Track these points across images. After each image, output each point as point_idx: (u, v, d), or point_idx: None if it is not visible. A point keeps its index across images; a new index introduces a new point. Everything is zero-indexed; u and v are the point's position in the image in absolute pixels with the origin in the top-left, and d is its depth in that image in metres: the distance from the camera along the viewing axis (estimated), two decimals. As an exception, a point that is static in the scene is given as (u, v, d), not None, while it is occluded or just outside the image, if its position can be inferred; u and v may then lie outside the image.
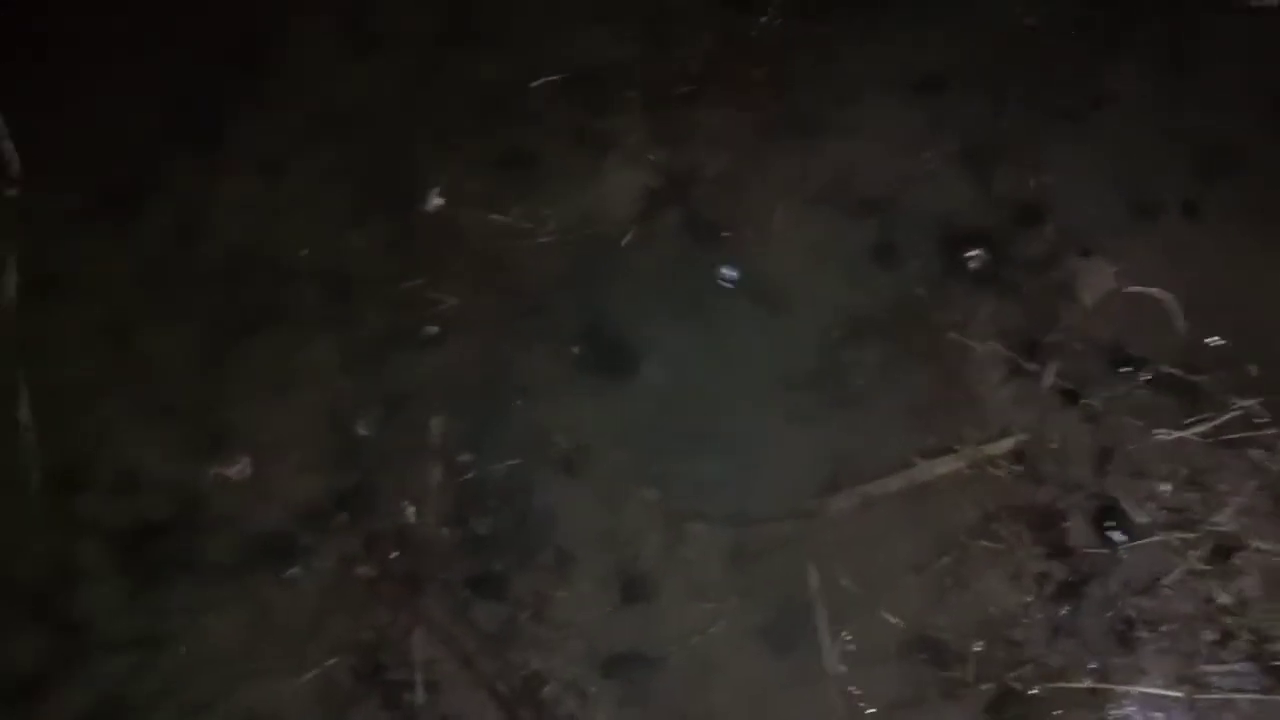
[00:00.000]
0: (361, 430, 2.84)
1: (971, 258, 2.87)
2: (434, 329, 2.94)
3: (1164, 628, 2.45)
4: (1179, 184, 2.94)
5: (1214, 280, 2.79)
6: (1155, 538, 2.52)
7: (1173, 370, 2.68)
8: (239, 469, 2.81)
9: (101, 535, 2.73)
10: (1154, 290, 2.75)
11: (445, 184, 3.12)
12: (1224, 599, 2.44)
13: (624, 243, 3.03)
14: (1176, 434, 2.61)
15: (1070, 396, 2.69)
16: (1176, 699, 2.38)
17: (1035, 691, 2.41)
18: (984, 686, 2.43)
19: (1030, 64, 3.18)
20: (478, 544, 2.70)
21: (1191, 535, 2.51)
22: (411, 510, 2.74)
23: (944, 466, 2.66)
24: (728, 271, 2.98)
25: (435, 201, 3.12)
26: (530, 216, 3.07)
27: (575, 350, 2.89)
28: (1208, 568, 2.47)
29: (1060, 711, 2.39)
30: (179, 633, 2.61)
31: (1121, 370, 2.69)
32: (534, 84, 3.26)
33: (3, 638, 2.63)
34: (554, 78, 3.26)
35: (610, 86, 3.26)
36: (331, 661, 2.57)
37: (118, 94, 3.29)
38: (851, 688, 2.46)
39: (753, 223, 3.03)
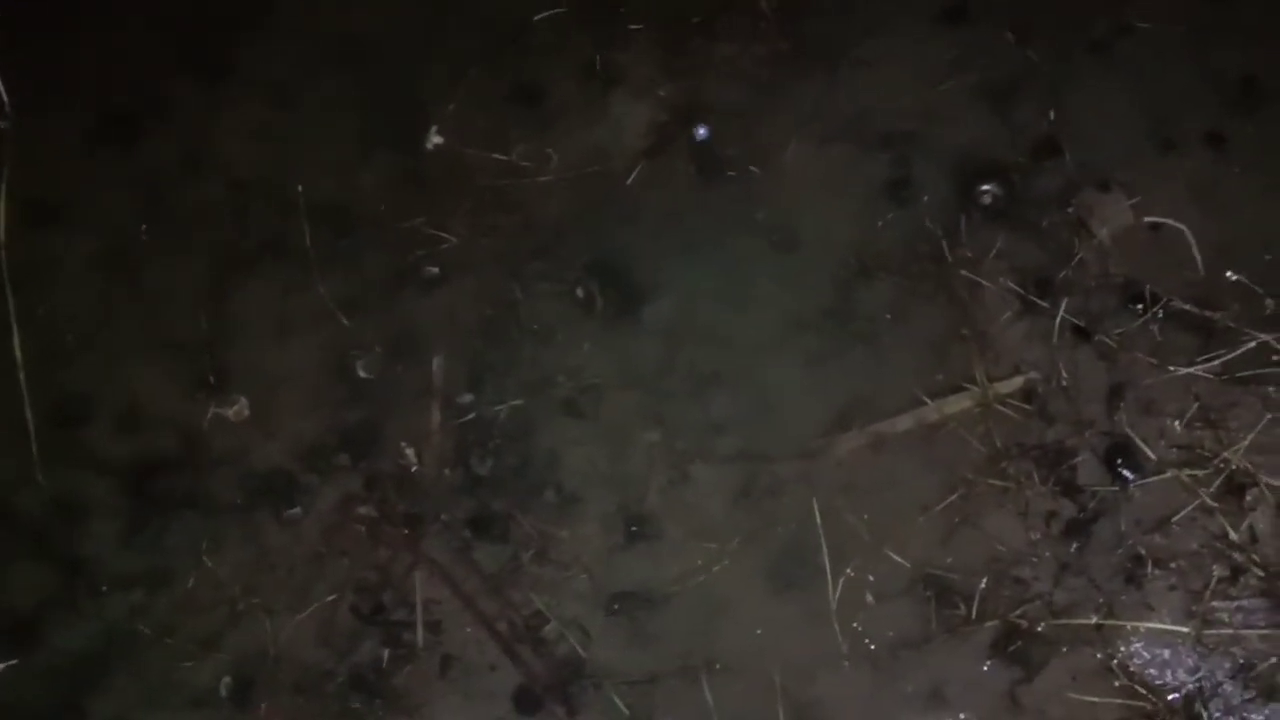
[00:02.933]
0: (362, 371, 2.95)
1: (985, 192, 2.93)
2: (435, 269, 3.03)
3: (1173, 564, 2.53)
4: (1202, 117, 2.96)
5: (1234, 215, 2.83)
6: (1166, 475, 2.59)
7: (1187, 306, 2.72)
8: (236, 409, 2.92)
9: (103, 471, 2.87)
10: (1170, 221, 2.81)
11: (447, 120, 3.21)
12: (1234, 535, 2.52)
13: (630, 180, 3.10)
14: (1189, 370, 2.67)
15: (1082, 333, 2.75)
16: (1184, 634, 2.46)
17: (1041, 629, 2.50)
18: (989, 624, 2.52)
19: (1052, -7, 3.24)
20: (479, 484, 2.80)
21: (1202, 472, 2.57)
22: (412, 451, 2.85)
23: (953, 405, 2.73)
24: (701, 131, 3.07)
25: (435, 139, 3.21)
26: (534, 154, 3.14)
27: (580, 290, 2.98)
28: (1218, 504, 2.54)
29: (1066, 648, 2.48)
30: (181, 569, 2.76)
31: (1135, 307, 2.75)
32: (539, 17, 3.34)
33: (6, 574, 2.79)
34: (560, 10, 3.32)
35: (618, 18, 3.29)
36: (331, 599, 2.70)
37: (119, 18, 3.34)
38: (856, 625, 2.57)
39: (764, 158, 3.09)
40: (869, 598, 2.58)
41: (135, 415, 2.93)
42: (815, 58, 3.21)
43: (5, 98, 3.06)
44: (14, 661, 2.67)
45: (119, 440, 2.92)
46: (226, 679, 2.66)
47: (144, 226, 3.12)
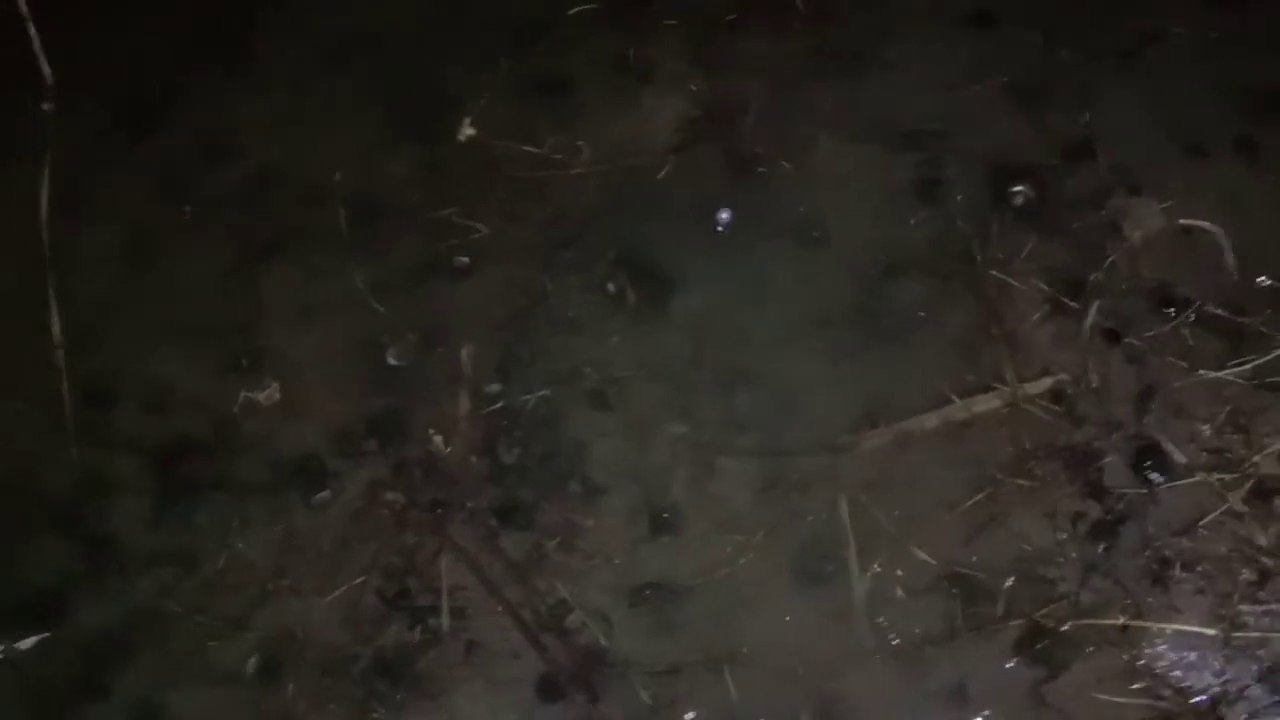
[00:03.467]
0: (392, 358, 2.97)
1: (1017, 193, 2.93)
2: (465, 259, 3.06)
3: (1200, 568, 2.52)
4: (1231, 122, 2.97)
5: (1265, 220, 2.83)
6: (1194, 478, 2.58)
7: (1218, 310, 2.73)
8: (267, 394, 2.94)
9: (133, 451, 2.89)
10: (1204, 224, 2.81)
11: (479, 112, 3.23)
12: (1262, 540, 2.52)
13: (661, 175, 3.12)
14: (1219, 375, 2.67)
15: (1112, 336, 2.75)
16: (1211, 637, 2.45)
17: (1066, 629, 2.50)
18: (1014, 623, 2.52)
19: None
20: (506, 473, 2.82)
21: (1231, 476, 2.57)
22: (440, 439, 2.86)
23: (982, 405, 2.74)
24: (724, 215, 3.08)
25: (468, 131, 3.23)
26: (565, 146, 3.17)
27: (608, 283, 3.00)
28: (1247, 509, 2.54)
29: (1091, 649, 2.47)
30: (209, 550, 2.78)
31: (1166, 310, 2.75)
32: (572, 10, 3.36)
33: (36, 551, 2.80)
34: (593, 4, 3.36)
35: (651, 13, 3.34)
36: (359, 580, 2.72)
37: (146, 6, 3.41)
38: (880, 620, 2.57)
39: (795, 155, 3.11)
40: (894, 594, 2.58)
41: (167, 397, 2.95)
42: (847, 56, 3.24)
43: (49, 80, 3.10)
44: (45, 635, 2.69)
45: (149, 423, 2.94)
46: (253, 658, 2.67)
47: (185, 209, 3.15)
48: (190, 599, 2.72)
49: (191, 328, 3.03)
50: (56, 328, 2.99)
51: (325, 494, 2.83)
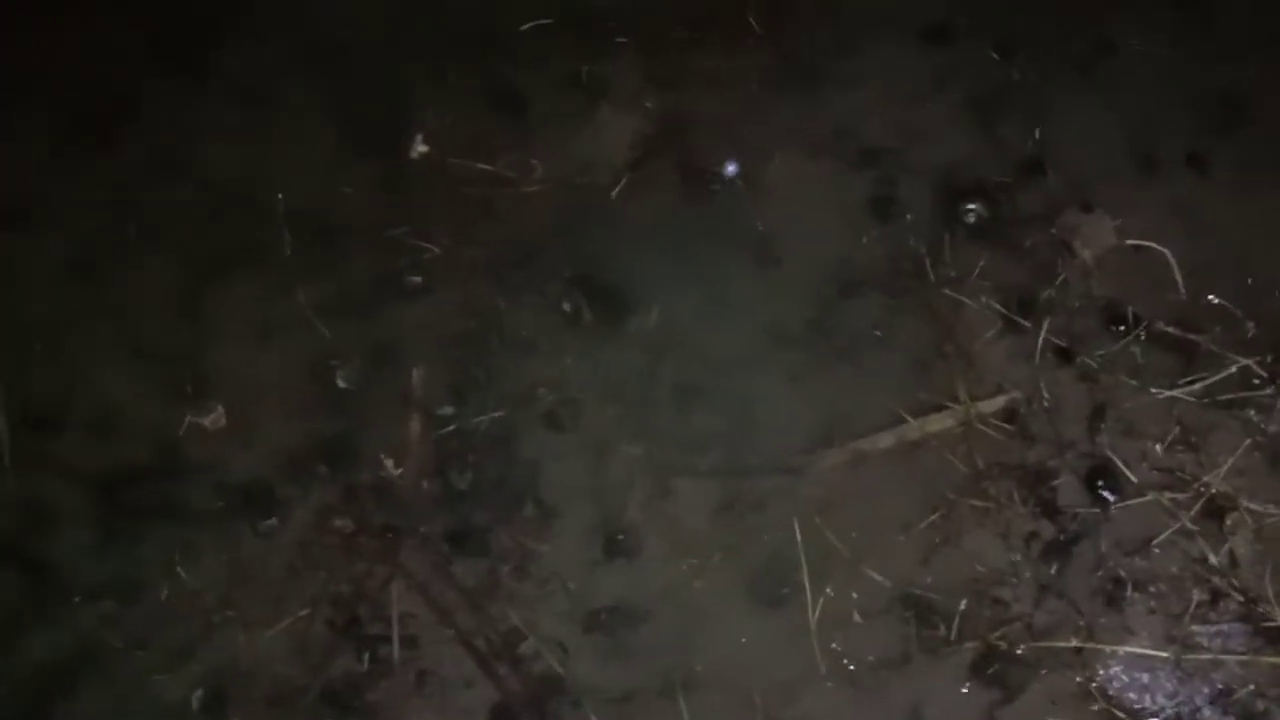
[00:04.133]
0: (341, 381, 2.92)
1: (969, 211, 2.93)
2: (417, 278, 3.01)
3: (1153, 588, 2.53)
4: (1184, 137, 3.00)
5: (1216, 237, 2.85)
6: (1147, 497, 2.59)
7: (1169, 329, 2.74)
8: (214, 418, 2.89)
9: (74, 478, 2.82)
10: (1152, 244, 2.82)
11: (432, 129, 3.19)
12: (1214, 559, 2.53)
13: (615, 193, 3.10)
14: (1171, 393, 2.68)
15: (1065, 354, 2.76)
16: (1164, 659, 2.46)
17: (1021, 651, 2.50)
18: (968, 645, 2.51)
19: (1037, 13, 3.23)
20: (458, 498, 2.78)
21: (1183, 495, 2.58)
22: (391, 463, 2.82)
23: (935, 424, 2.74)
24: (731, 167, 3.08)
25: (421, 148, 3.19)
26: (519, 164, 3.13)
27: (563, 302, 2.96)
28: (1199, 528, 2.55)
29: (1045, 671, 2.47)
30: (155, 580, 2.71)
31: (1117, 328, 2.76)
32: (525, 27, 3.33)
33: (-26, 583, 2.76)
34: (546, 20, 3.33)
35: (604, 30, 3.31)
36: (305, 612, 2.67)
37: (93, 16, 3.33)
38: (834, 644, 2.55)
39: (749, 173, 3.09)
40: (849, 616, 2.57)
41: (110, 422, 2.89)
42: (801, 73, 3.23)
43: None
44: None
45: (92, 447, 2.88)
46: (199, 692, 2.61)
47: (131, 227, 3.09)
48: (134, 631, 2.66)
49: (136, 349, 2.97)
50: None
51: (273, 521, 2.78)
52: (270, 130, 3.25)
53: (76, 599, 2.70)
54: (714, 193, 3.08)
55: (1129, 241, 2.84)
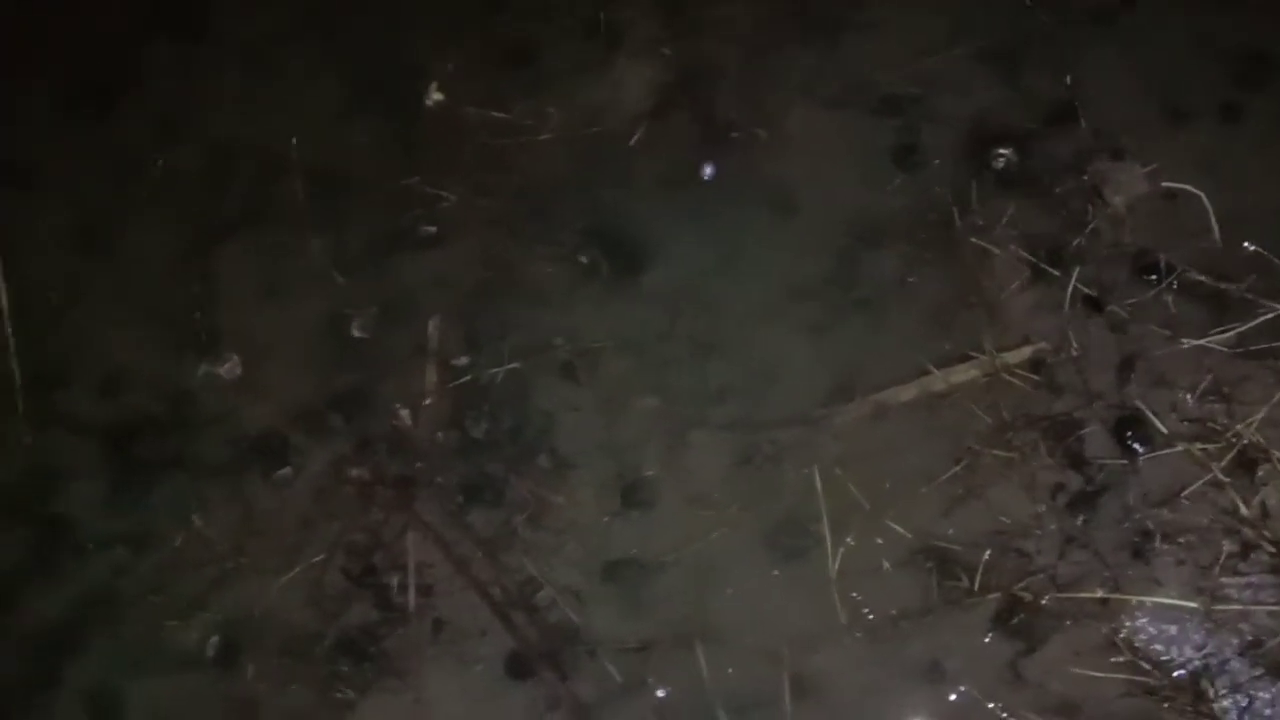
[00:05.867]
0: (356, 331, 2.92)
1: (998, 157, 2.89)
2: (432, 229, 3.00)
3: (1182, 539, 2.49)
4: (1217, 85, 2.92)
5: (1250, 186, 2.78)
6: (1176, 448, 2.54)
7: (1201, 277, 2.68)
8: (229, 367, 2.89)
9: (88, 433, 2.84)
10: (1187, 187, 2.76)
11: (445, 78, 3.17)
12: (1245, 510, 2.48)
13: (632, 142, 3.07)
14: (1202, 343, 2.63)
15: (1093, 304, 2.71)
16: (1192, 610, 2.43)
17: (1044, 602, 2.47)
18: (990, 597, 2.49)
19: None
20: (474, 448, 2.78)
21: (1214, 446, 2.53)
22: (406, 413, 2.82)
23: (959, 375, 2.70)
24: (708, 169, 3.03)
25: (435, 96, 3.17)
26: (534, 113, 3.10)
27: (579, 253, 2.94)
28: (1229, 479, 2.50)
29: (1070, 622, 2.45)
30: (167, 531, 2.73)
31: (1148, 277, 2.71)
32: (541, -28, 3.29)
33: (-12, 534, 2.78)
34: (562, -34, 3.30)
35: (621, -24, 3.30)
36: (320, 558, 2.68)
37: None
38: (855, 595, 2.54)
39: (769, 121, 3.05)
40: (869, 568, 2.55)
41: (123, 376, 2.90)
42: (823, 20, 3.17)
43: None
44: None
45: (105, 401, 2.89)
46: (213, 640, 2.63)
47: (141, 187, 3.09)
48: (148, 580, 2.68)
49: (149, 306, 2.98)
50: (5, 306, 2.93)
51: (287, 471, 2.78)
52: (279, 85, 3.23)
53: (89, 548, 2.72)
54: (733, 142, 3.04)
55: (1165, 184, 2.77)
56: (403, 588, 2.66)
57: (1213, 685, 2.39)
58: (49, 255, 3.06)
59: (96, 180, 3.14)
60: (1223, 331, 2.63)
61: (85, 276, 3.03)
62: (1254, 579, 2.44)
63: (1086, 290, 2.73)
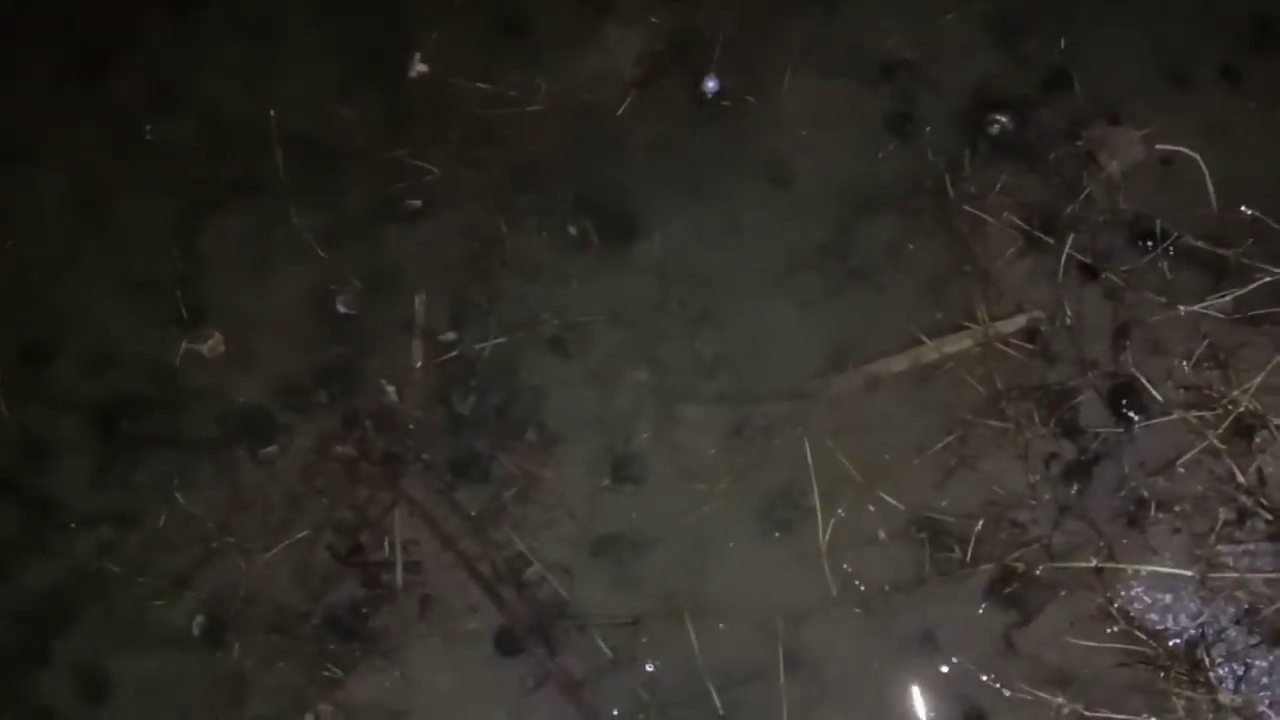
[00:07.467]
0: (341, 307, 2.90)
1: (993, 123, 2.87)
2: (418, 202, 2.98)
3: (1178, 508, 2.49)
4: (1214, 49, 2.89)
5: (1248, 150, 2.77)
6: (1172, 416, 2.54)
7: (1198, 243, 2.67)
8: (211, 344, 2.89)
9: (72, 409, 2.84)
10: (1184, 150, 2.74)
11: (432, 48, 3.16)
12: (1242, 478, 2.48)
13: (621, 111, 3.04)
14: (1199, 309, 2.62)
15: (1089, 271, 2.70)
16: (1188, 578, 2.43)
17: (1039, 572, 2.47)
18: (984, 567, 2.49)
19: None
20: (461, 424, 2.77)
21: (1210, 413, 2.53)
22: (393, 389, 2.81)
23: (953, 345, 2.69)
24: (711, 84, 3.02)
25: (419, 68, 3.15)
26: (522, 83, 3.08)
27: (568, 225, 2.93)
28: (1226, 446, 2.50)
29: (1064, 592, 2.45)
30: (152, 508, 2.73)
31: (1144, 243, 2.70)
32: (528, -60, 3.27)
33: (-29, 514, 2.78)
34: (550, -67, 3.27)
35: (610, -58, 3.27)
36: (305, 533, 2.68)
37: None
38: (847, 567, 2.54)
39: (761, 90, 3.02)
40: (861, 540, 2.55)
41: (107, 352, 2.89)
42: (813, -15, 3.16)
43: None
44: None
45: (89, 378, 2.88)
46: (199, 618, 2.64)
47: (128, 159, 3.08)
48: (133, 558, 2.68)
49: (133, 280, 2.96)
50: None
51: (273, 448, 2.78)
52: (267, 56, 3.20)
53: (74, 525, 2.72)
54: (724, 110, 3.03)
55: (1159, 146, 2.76)
56: (390, 565, 2.66)
57: (1209, 654, 2.39)
58: (36, 228, 3.04)
59: (87, 152, 3.11)
60: (1220, 297, 2.62)
61: (71, 250, 3.02)
62: (1250, 547, 2.44)
63: (1081, 257, 2.72)
